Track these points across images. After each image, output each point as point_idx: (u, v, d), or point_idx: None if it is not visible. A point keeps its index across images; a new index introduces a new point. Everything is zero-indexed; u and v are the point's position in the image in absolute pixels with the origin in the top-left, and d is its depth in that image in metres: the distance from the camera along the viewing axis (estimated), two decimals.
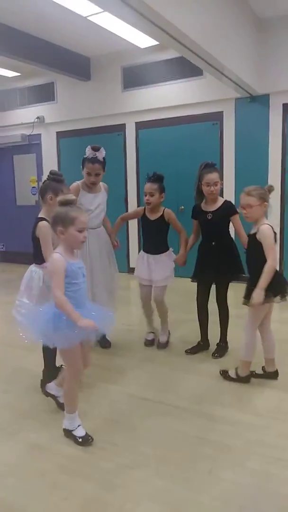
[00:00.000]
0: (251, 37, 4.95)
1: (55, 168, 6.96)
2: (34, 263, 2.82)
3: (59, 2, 4.21)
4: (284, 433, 2.35)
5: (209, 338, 3.54)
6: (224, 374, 3.00)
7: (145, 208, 3.59)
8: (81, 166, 3.40)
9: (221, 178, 3.43)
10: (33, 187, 7.49)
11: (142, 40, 5.32)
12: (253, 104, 5.47)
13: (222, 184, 3.39)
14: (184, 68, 5.65)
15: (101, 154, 3.35)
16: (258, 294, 2.64)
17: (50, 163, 7.13)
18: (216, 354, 3.41)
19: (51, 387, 2.69)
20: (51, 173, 2.81)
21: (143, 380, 3.07)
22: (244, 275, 3.18)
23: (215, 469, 2.10)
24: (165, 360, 3.42)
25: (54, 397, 2.69)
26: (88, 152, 3.33)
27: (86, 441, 2.33)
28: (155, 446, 2.07)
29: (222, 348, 3.45)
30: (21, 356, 3.48)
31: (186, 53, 3.77)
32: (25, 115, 7.23)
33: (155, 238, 3.57)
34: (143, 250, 3.67)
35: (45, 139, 7.30)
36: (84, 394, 2.71)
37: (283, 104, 5.33)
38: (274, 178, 5.42)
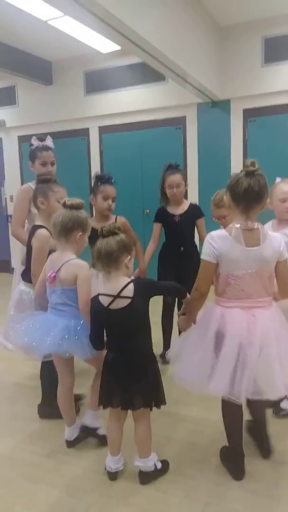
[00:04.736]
0: (212, 44, 5.07)
1: (17, 173, 6.88)
2: (23, 280, 2.52)
3: (19, 7, 4.16)
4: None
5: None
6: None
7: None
8: (30, 161, 3.12)
9: (185, 179, 3.29)
10: None
11: (103, 45, 5.33)
12: (215, 109, 5.59)
13: (186, 185, 3.27)
14: (147, 73, 5.71)
15: (50, 141, 3.16)
16: None
17: (11, 168, 7.01)
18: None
19: (89, 418, 2.31)
20: (37, 175, 2.72)
21: None
22: None
23: (181, 466, 2.13)
24: None
25: (91, 431, 2.30)
26: (36, 142, 3.13)
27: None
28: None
29: None
30: None
31: (148, 59, 3.82)
32: None
33: None
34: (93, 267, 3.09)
35: (6, 144, 7.18)
36: None
37: (244, 110, 5.48)
38: None
